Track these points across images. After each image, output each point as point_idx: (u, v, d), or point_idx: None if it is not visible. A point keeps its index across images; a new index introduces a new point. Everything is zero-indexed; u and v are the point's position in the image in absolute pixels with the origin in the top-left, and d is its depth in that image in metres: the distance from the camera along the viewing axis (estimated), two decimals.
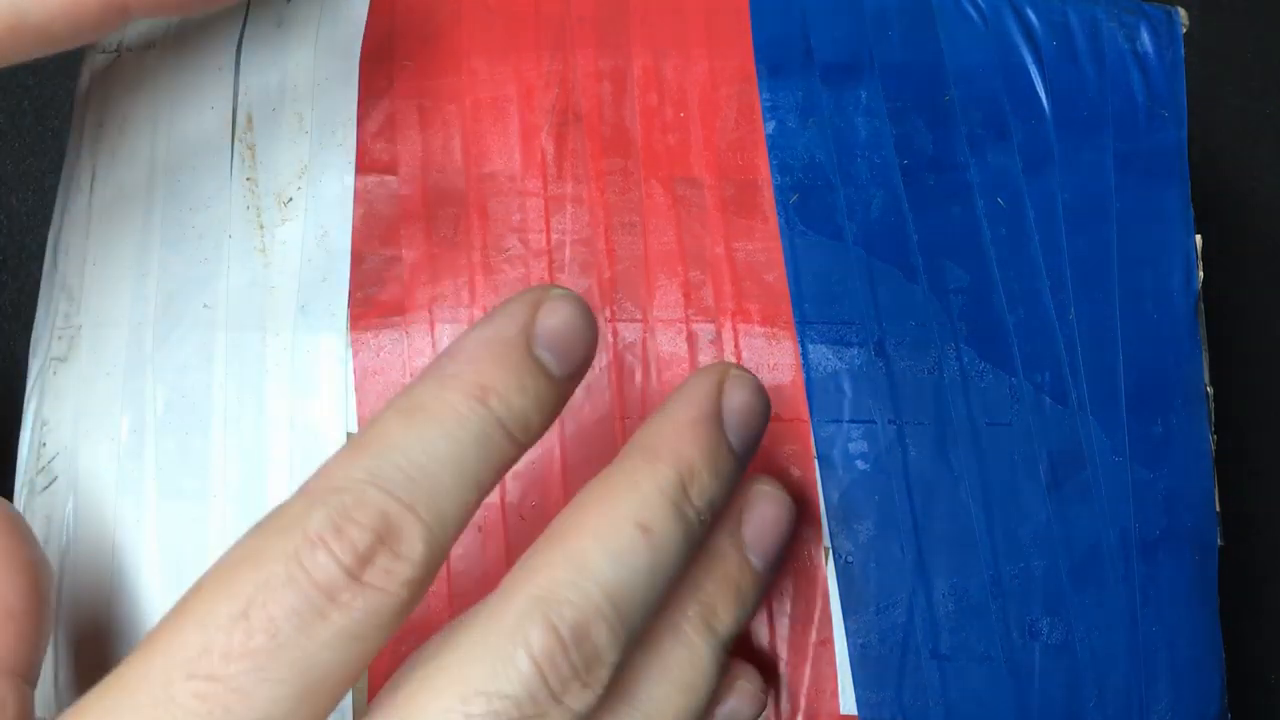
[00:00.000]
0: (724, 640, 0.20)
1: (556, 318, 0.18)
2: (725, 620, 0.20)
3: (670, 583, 0.18)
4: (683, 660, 0.19)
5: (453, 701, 0.16)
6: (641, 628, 0.17)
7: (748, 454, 0.20)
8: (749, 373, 0.20)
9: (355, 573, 0.16)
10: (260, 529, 0.16)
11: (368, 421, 0.17)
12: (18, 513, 0.20)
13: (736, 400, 0.19)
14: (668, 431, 0.19)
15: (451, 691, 0.16)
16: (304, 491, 0.16)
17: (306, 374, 0.24)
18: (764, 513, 0.21)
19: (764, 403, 0.20)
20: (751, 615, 0.21)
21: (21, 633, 0.19)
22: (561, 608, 0.16)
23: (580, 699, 0.16)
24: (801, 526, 0.23)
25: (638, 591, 0.17)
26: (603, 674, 0.17)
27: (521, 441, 0.18)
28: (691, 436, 0.19)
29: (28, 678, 0.19)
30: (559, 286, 0.19)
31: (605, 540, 0.17)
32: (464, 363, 0.18)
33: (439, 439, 0.17)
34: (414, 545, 0.16)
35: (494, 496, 0.23)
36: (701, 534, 0.18)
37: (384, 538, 0.16)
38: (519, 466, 0.23)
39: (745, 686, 0.21)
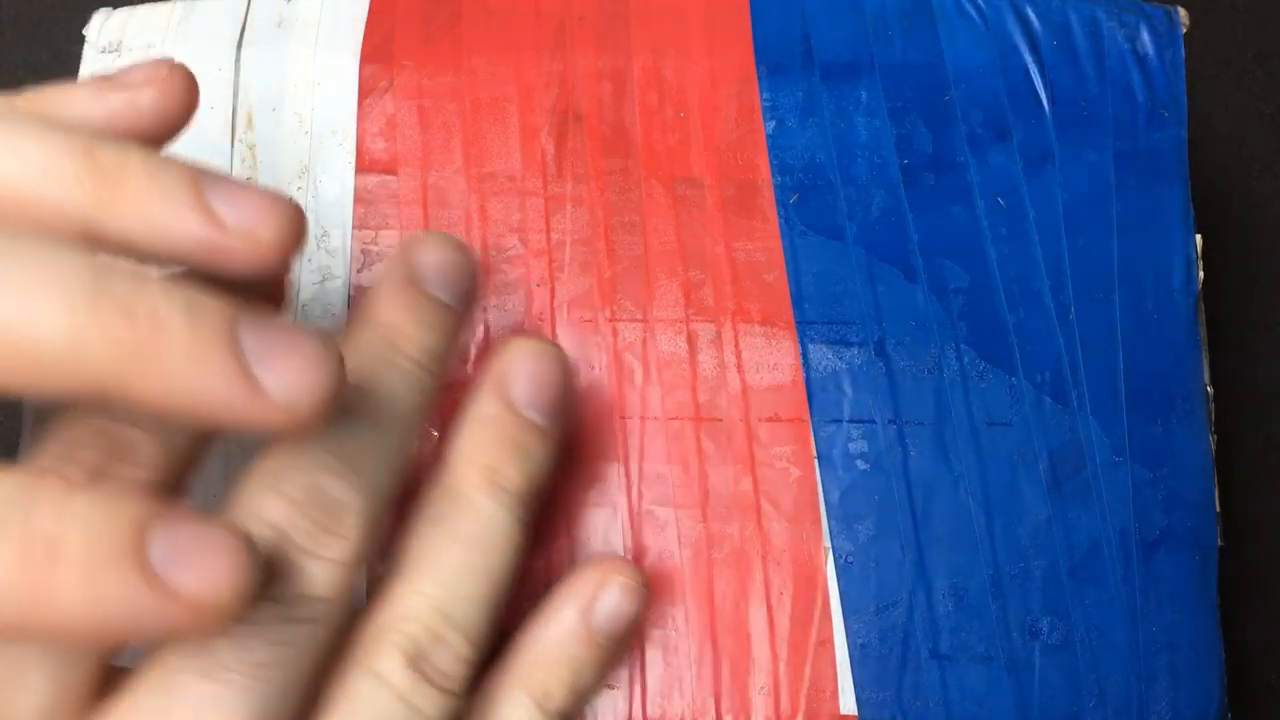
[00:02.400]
0: (517, 496, 0.20)
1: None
2: (511, 476, 0.20)
3: (403, 428, 0.18)
4: (473, 521, 0.19)
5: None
6: (386, 475, 0.18)
7: (463, 300, 0.20)
8: (441, 234, 0.20)
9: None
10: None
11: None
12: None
13: (427, 257, 0.20)
14: (367, 304, 0.19)
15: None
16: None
17: None
18: (528, 369, 0.20)
19: (455, 250, 0.20)
20: (544, 470, 0.20)
21: None
22: (286, 476, 0.17)
23: (337, 548, 0.17)
24: (801, 526, 0.23)
25: (362, 441, 0.18)
26: (350, 520, 0.17)
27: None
28: (387, 300, 0.19)
29: None
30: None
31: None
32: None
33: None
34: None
35: None
36: (430, 382, 0.19)
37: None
38: None
39: (624, 583, 0.21)
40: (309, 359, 0.15)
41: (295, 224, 0.16)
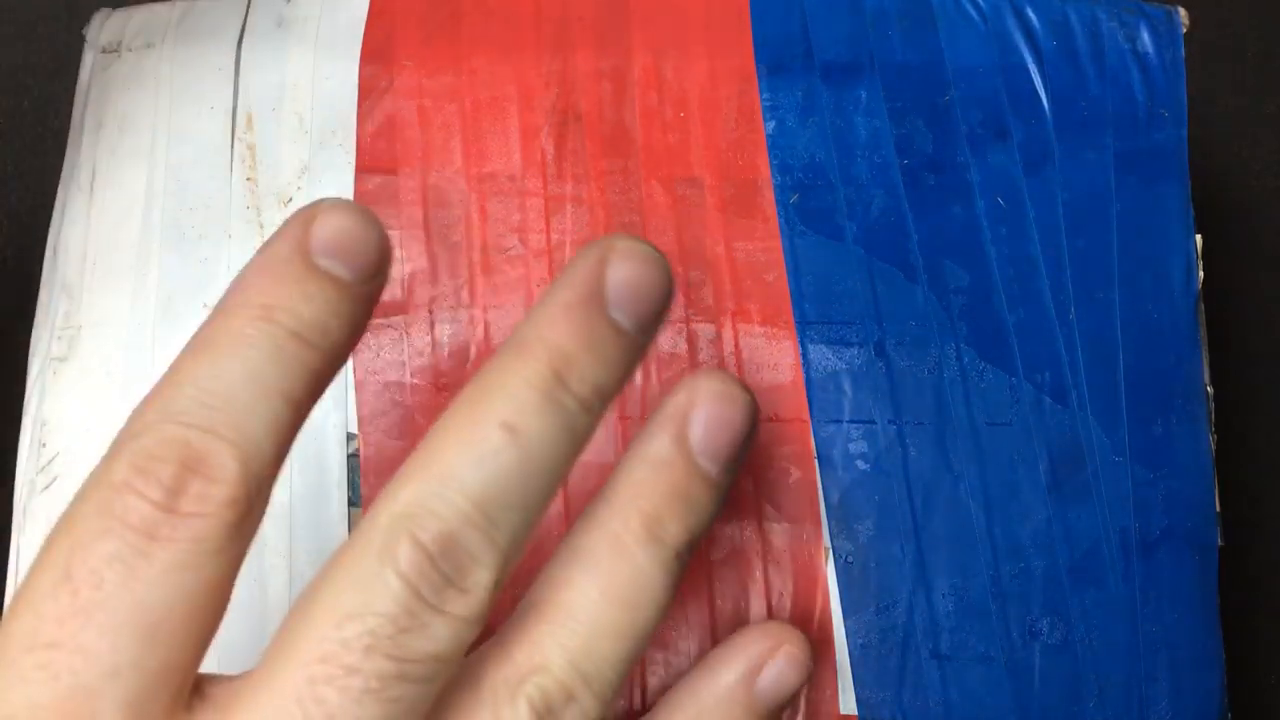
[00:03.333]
0: (675, 551, 0.18)
1: (329, 226, 0.17)
2: (674, 531, 0.18)
3: (552, 478, 0.17)
4: (626, 575, 0.18)
5: (326, 630, 0.15)
6: (523, 528, 0.17)
7: (645, 330, 0.18)
8: (641, 242, 0.18)
9: (169, 505, 0.16)
10: (71, 500, 0.16)
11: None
12: None
13: (620, 274, 0.17)
14: (540, 320, 0.17)
15: (325, 620, 0.16)
16: (109, 451, 0.16)
17: None
18: (714, 412, 0.19)
19: (657, 271, 0.18)
20: (708, 526, 0.19)
21: None
22: (425, 520, 0.16)
23: (461, 605, 0.16)
24: (801, 526, 0.23)
25: (508, 492, 0.16)
26: (481, 576, 0.16)
27: (322, 346, 0.17)
28: (565, 322, 0.17)
29: None
30: (332, 198, 0.18)
31: (468, 445, 0.16)
32: (242, 291, 0.17)
33: (229, 363, 0.16)
34: (225, 465, 0.16)
35: None
36: (590, 423, 0.17)
37: (190, 465, 0.16)
38: None
39: (792, 653, 0.20)
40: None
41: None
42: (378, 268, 0.18)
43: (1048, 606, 0.23)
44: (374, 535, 0.16)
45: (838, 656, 0.23)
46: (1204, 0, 0.35)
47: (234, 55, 0.26)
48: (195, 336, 0.17)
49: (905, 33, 0.25)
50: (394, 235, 0.24)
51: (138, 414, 0.16)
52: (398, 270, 0.24)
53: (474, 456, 0.16)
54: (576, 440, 0.17)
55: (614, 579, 0.18)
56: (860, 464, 0.23)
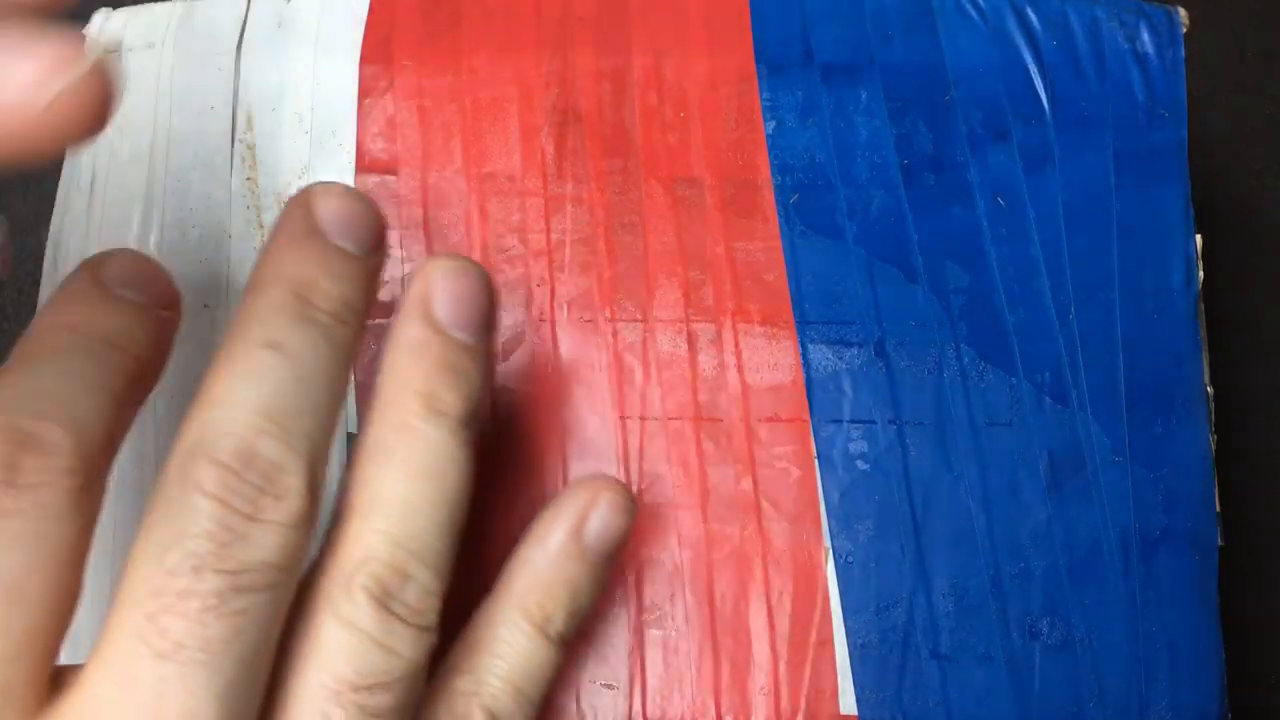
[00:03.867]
0: (458, 419, 0.19)
1: (118, 261, 0.19)
2: (451, 400, 0.19)
3: (330, 384, 0.18)
4: (419, 450, 0.18)
5: (149, 569, 0.16)
6: (318, 431, 0.17)
7: (370, 249, 0.19)
8: (337, 184, 0.19)
9: (8, 480, 0.16)
10: None
11: None
12: None
13: (328, 207, 0.19)
14: (270, 260, 0.19)
15: (148, 559, 0.16)
16: None
17: None
18: (448, 288, 0.20)
19: (357, 201, 0.19)
20: (479, 388, 0.20)
21: None
22: (219, 441, 0.16)
23: (280, 510, 0.17)
24: (802, 526, 0.23)
25: (289, 399, 0.17)
26: (290, 481, 0.17)
27: (131, 351, 0.18)
28: (292, 251, 0.18)
29: None
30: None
31: (240, 370, 0.17)
32: (48, 313, 0.18)
33: (49, 367, 0.17)
34: (57, 441, 0.16)
35: (492, 498, 0.23)
36: (348, 334, 0.18)
37: (24, 444, 0.16)
38: (519, 463, 0.23)
39: (612, 499, 0.21)
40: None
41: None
42: (160, 291, 0.19)
43: (1048, 606, 0.23)
44: (170, 471, 0.17)
45: (838, 656, 0.23)
46: (1204, 0, 0.35)
47: (234, 55, 0.26)
48: (11, 356, 0.18)
49: (905, 33, 0.25)
50: (394, 235, 0.24)
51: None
52: (398, 270, 0.24)
53: (248, 377, 0.17)
54: (338, 349, 0.18)
55: (409, 457, 0.18)
56: (860, 464, 0.23)
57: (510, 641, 0.20)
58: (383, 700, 0.17)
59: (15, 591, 0.16)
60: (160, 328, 0.19)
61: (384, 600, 0.18)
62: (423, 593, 0.18)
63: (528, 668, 0.20)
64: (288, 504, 0.17)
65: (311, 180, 0.25)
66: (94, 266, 0.19)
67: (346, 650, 0.17)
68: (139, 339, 0.18)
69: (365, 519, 0.18)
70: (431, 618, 0.18)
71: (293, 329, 0.18)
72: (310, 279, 0.18)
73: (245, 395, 0.17)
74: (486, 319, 0.20)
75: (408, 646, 0.18)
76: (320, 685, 0.17)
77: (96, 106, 0.15)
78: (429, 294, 0.20)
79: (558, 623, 0.20)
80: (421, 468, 0.18)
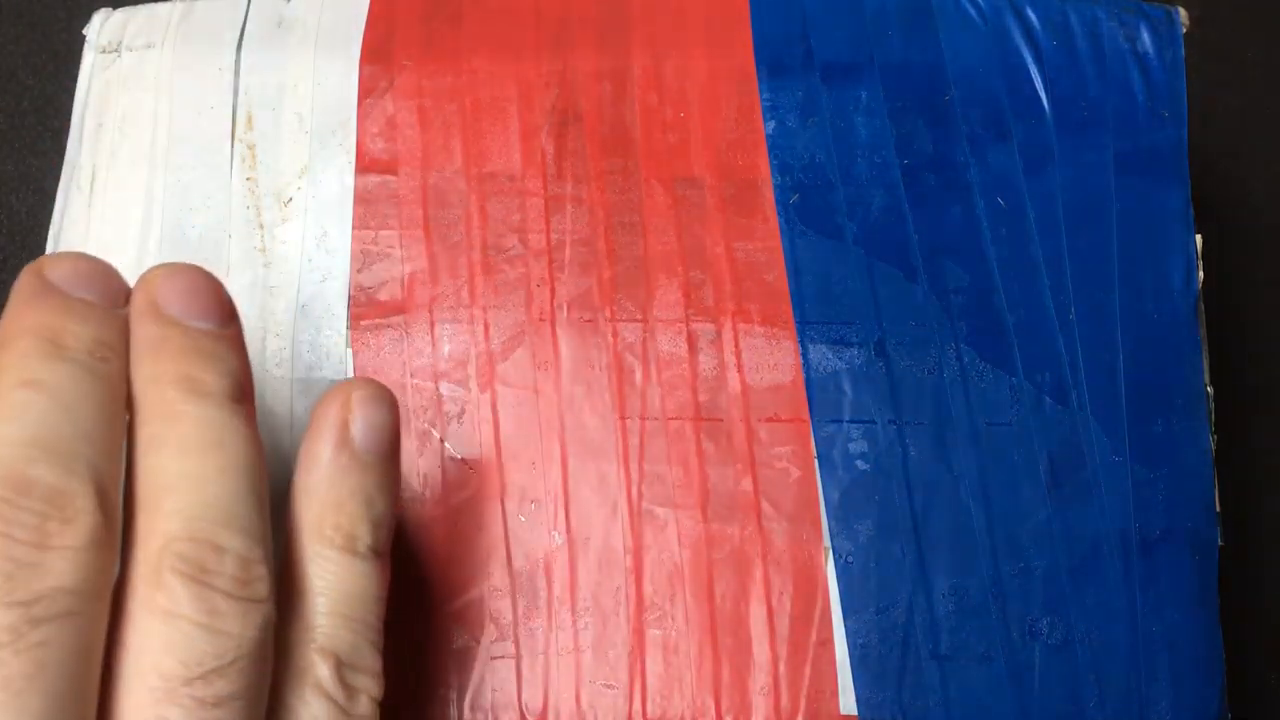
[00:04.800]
0: (223, 393, 0.18)
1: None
2: (208, 379, 0.18)
3: (96, 409, 0.17)
4: (186, 429, 0.17)
5: None
6: (96, 453, 0.17)
7: (107, 297, 0.18)
8: (71, 252, 0.19)
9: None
10: None
11: None
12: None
13: (59, 271, 0.18)
14: (6, 322, 0.18)
15: None
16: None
17: (306, 374, 0.24)
18: (166, 284, 0.19)
19: (93, 261, 0.19)
20: (241, 366, 0.19)
21: None
22: None
23: (69, 534, 0.16)
24: (801, 526, 0.23)
25: (56, 428, 0.16)
26: (79, 502, 0.16)
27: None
28: (30, 310, 0.18)
29: None
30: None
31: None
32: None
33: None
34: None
35: (495, 503, 0.23)
36: (108, 370, 0.17)
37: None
38: (520, 466, 0.23)
39: (360, 395, 0.20)
40: None
41: None
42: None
43: (1048, 606, 0.23)
44: None
45: (838, 656, 0.23)
46: (1204, 0, 0.35)
47: (234, 55, 0.26)
48: None
49: (905, 33, 0.25)
50: (394, 235, 0.24)
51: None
52: (398, 270, 0.24)
53: (8, 416, 0.16)
54: (102, 380, 0.17)
55: (183, 438, 0.17)
56: (860, 464, 0.23)
57: (323, 574, 0.19)
58: (221, 687, 0.16)
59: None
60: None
61: (199, 578, 0.16)
62: (240, 562, 0.17)
63: (351, 593, 0.19)
64: (77, 525, 0.16)
65: (312, 180, 0.25)
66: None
67: (168, 642, 0.16)
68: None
69: (155, 506, 0.17)
70: (260, 588, 0.17)
71: (48, 367, 0.17)
72: (56, 325, 0.17)
73: (7, 431, 0.16)
74: (216, 302, 0.19)
75: (236, 622, 0.16)
76: (149, 690, 0.16)
77: None
78: (152, 293, 0.19)
79: (364, 537, 0.19)
80: (199, 442, 0.17)
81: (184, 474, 0.17)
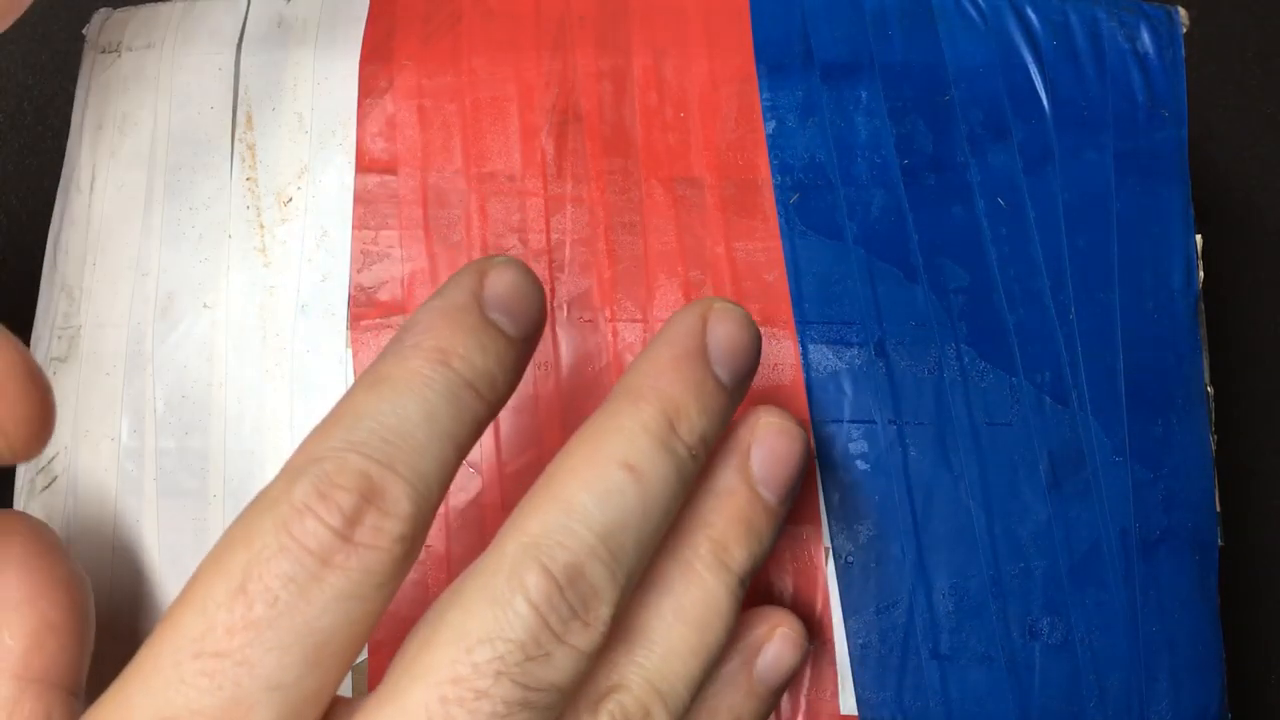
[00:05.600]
0: (740, 577, 0.19)
1: (503, 282, 0.19)
2: (739, 557, 0.19)
3: (665, 519, 0.18)
4: (696, 598, 0.19)
5: (457, 653, 0.16)
6: (639, 565, 0.18)
7: (739, 387, 0.20)
8: (735, 305, 0.20)
9: (345, 534, 0.16)
10: (248, 511, 0.17)
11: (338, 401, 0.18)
12: (53, 531, 0.20)
13: (720, 333, 0.19)
14: (650, 371, 0.19)
15: (455, 644, 0.16)
16: (285, 469, 0.17)
17: (306, 374, 0.24)
18: (772, 446, 0.20)
19: (751, 334, 0.19)
20: (768, 551, 0.20)
21: (64, 645, 0.19)
22: (553, 550, 0.17)
23: (584, 637, 0.17)
24: (801, 526, 0.23)
25: (629, 530, 0.17)
26: (603, 611, 0.17)
27: (489, 399, 0.18)
28: (674, 373, 0.19)
29: (73, 690, 0.19)
30: (502, 255, 0.19)
31: (592, 483, 0.17)
32: (421, 333, 0.18)
33: (409, 402, 0.17)
34: (399, 502, 0.16)
35: (496, 496, 0.23)
36: (695, 470, 0.18)
37: (369, 497, 0.16)
38: (522, 465, 0.23)
39: (787, 634, 0.21)
40: None
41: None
42: (539, 326, 0.19)
43: (1048, 606, 0.23)
44: (503, 562, 0.17)
45: (838, 656, 0.23)
46: (1204, 0, 0.35)
47: (234, 55, 0.26)
48: (370, 371, 0.18)
49: (905, 33, 0.25)
50: (394, 235, 0.24)
51: (319, 438, 0.17)
52: (398, 270, 0.24)
53: (598, 493, 0.17)
54: (685, 485, 0.18)
55: (685, 602, 0.19)
56: (860, 464, 0.23)
57: None
58: None
59: (320, 650, 0.16)
60: (523, 364, 0.19)
61: None
62: None
63: None
64: (592, 633, 0.17)
65: (311, 179, 0.25)
66: (481, 280, 0.19)
67: None
68: (501, 386, 0.18)
69: (628, 647, 0.18)
70: None
71: (653, 456, 0.18)
72: (682, 405, 0.18)
73: (590, 512, 0.17)
74: (796, 484, 0.21)
75: None
76: None
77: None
78: (750, 446, 0.20)
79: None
80: (694, 615, 0.19)
81: (665, 637, 0.19)
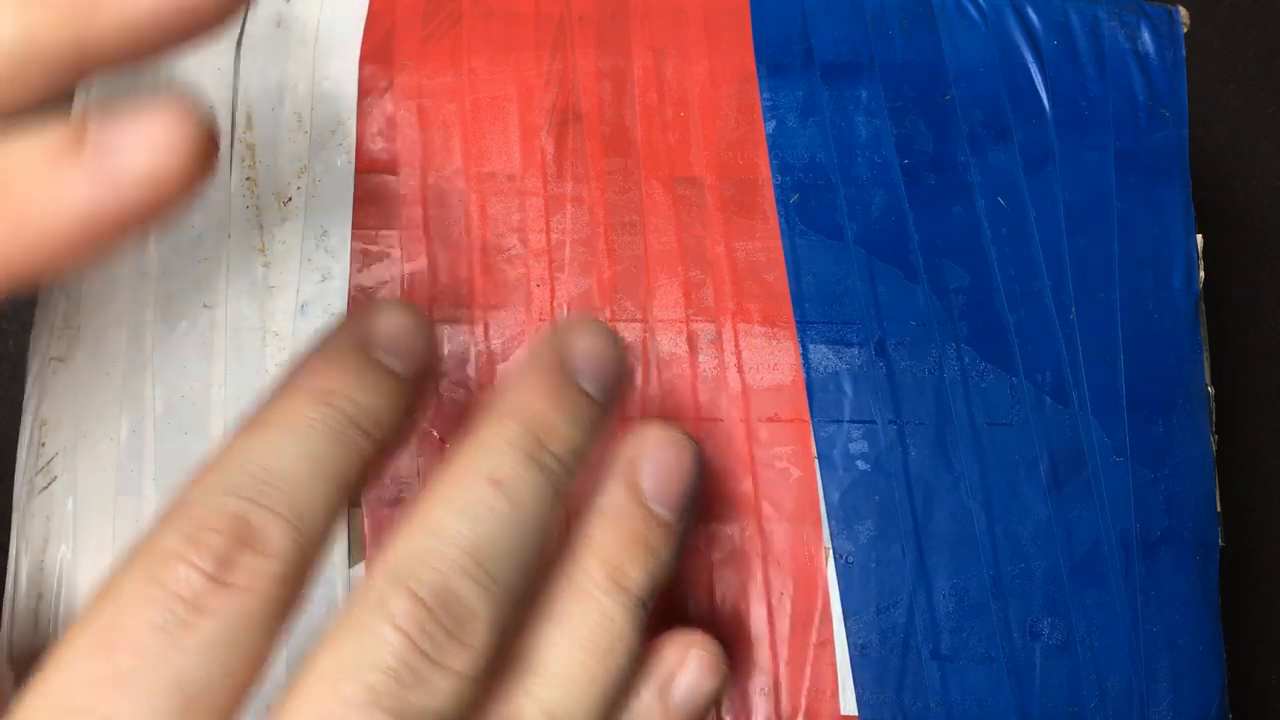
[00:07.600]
0: (639, 598, 0.19)
1: (388, 322, 0.18)
2: (636, 577, 0.19)
3: (541, 533, 0.17)
4: (593, 623, 0.18)
5: (323, 690, 0.15)
6: (518, 581, 0.17)
7: (609, 397, 0.19)
8: (594, 319, 0.19)
9: (219, 577, 0.15)
10: (116, 565, 0.16)
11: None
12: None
13: (580, 346, 0.19)
14: (512, 391, 0.18)
15: (321, 682, 0.15)
16: (157, 520, 0.16)
17: None
18: (660, 459, 0.19)
19: (611, 343, 0.19)
20: (669, 569, 0.19)
21: None
22: (420, 573, 0.16)
23: (462, 659, 0.16)
24: (801, 526, 0.23)
25: (501, 545, 0.17)
26: (480, 630, 0.16)
27: (377, 437, 0.18)
28: (535, 389, 0.18)
29: None
30: (389, 298, 0.19)
31: (457, 502, 0.17)
32: (305, 375, 0.18)
33: (288, 442, 0.17)
34: (277, 542, 0.16)
35: None
36: (569, 482, 0.18)
37: (243, 539, 0.16)
38: None
39: (702, 656, 0.20)
40: None
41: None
42: (429, 365, 0.19)
43: (1048, 607, 0.23)
44: (370, 592, 0.16)
45: (838, 656, 0.23)
46: (1204, 0, 0.35)
47: (233, 55, 0.26)
48: (254, 415, 0.17)
49: (905, 33, 0.25)
50: (393, 235, 0.24)
51: (192, 484, 0.16)
52: (398, 270, 0.24)
53: (464, 511, 0.17)
54: (559, 497, 0.18)
55: (581, 627, 0.18)
56: (860, 464, 0.23)
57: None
58: None
59: (192, 702, 0.15)
60: (413, 403, 0.18)
61: None
62: None
63: None
64: (471, 654, 0.16)
65: (311, 180, 0.25)
66: (366, 325, 0.18)
67: None
68: (389, 425, 0.18)
69: (521, 677, 0.18)
70: None
71: (521, 470, 0.17)
72: (548, 419, 0.18)
73: (456, 530, 0.17)
74: (691, 499, 0.20)
75: None
76: None
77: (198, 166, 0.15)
78: (636, 461, 0.19)
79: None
80: (589, 641, 0.18)
81: (561, 665, 0.18)
